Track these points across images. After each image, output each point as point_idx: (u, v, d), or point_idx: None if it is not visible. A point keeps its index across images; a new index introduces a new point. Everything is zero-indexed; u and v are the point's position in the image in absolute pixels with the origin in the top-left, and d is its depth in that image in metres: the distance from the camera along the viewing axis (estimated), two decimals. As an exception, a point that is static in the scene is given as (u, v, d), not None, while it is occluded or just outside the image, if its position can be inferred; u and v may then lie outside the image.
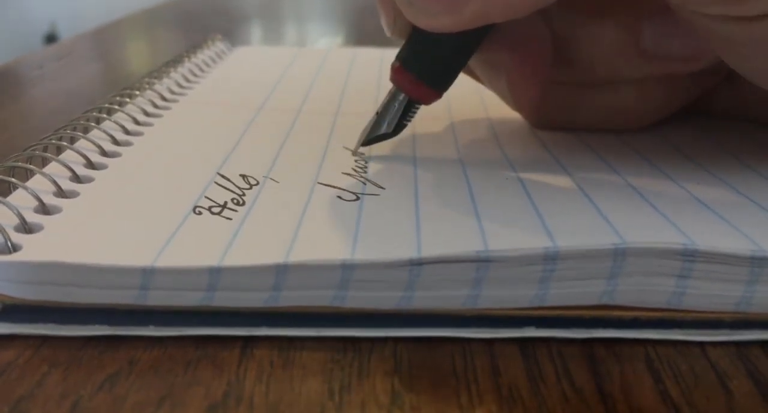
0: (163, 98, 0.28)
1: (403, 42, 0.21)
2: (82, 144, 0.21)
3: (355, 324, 0.15)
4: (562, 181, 0.20)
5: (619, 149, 0.23)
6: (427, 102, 0.22)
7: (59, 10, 1.89)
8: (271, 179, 0.20)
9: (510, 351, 0.15)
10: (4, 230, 0.16)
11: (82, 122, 0.23)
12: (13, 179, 0.18)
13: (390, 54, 0.22)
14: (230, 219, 0.17)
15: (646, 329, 0.16)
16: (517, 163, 0.22)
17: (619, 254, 0.15)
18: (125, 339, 0.15)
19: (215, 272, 0.15)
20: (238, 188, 0.19)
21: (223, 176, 0.20)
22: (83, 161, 0.20)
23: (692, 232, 0.16)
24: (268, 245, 0.16)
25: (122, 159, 0.21)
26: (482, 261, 0.15)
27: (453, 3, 0.18)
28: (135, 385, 0.14)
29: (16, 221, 0.16)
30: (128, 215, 0.17)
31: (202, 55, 0.34)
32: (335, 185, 0.20)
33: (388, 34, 0.22)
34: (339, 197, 0.19)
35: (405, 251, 0.15)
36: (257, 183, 0.20)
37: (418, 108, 0.22)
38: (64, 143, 0.21)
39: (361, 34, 0.58)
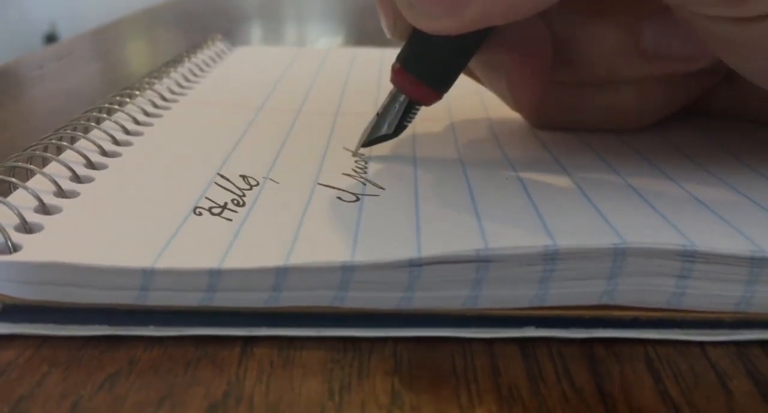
0: (163, 98, 0.28)
1: (403, 43, 0.21)
2: (82, 144, 0.21)
3: (355, 324, 0.15)
4: (562, 181, 0.20)
5: (619, 149, 0.23)
6: (428, 103, 0.22)
7: (59, 10, 1.89)
8: (271, 179, 0.20)
9: (510, 350, 0.15)
10: (5, 230, 0.16)
11: (82, 122, 0.23)
12: (13, 179, 0.18)
13: (390, 54, 0.22)
14: (230, 220, 0.17)
15: (646, 329, 0.16)
16: (517, 163, 0.22)
17: (619, 254, 0.15)
18: (125, 339, 0.15)
19: (215, 273, 0.15)
20: (238, 188, 0.19)
21: (223, 177, 0.20)
22: (83, 161, 0.20)
23: (692, 232, 0.16)
24: (269, 246, 0.16)
25: (122, 159, 0.21)
26: (482, 261, 0.15)
27: (454, 6, 0.18)
28: (135, 385, 0.14)
29: (16, 221, 0.16)
30: (128, 215, 0.17)
31: (202, 55, 0.35)
32: (335, 185, 0.20)
33: (388, 35, 0.22)
34: (339, 198, 0.19)
35: (405, 252, 0.15)
36: (257, 184, 0.20)
37: (418, 109, 0.22)
38: (64, 143, 0.21)
39: (361, 34, 0.58)
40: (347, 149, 0.23)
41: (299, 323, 0.15)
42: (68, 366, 0.14)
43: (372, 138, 0.22)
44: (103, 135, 0.22)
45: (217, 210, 0.18)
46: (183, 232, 0.16)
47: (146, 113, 0.25)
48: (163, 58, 0.33)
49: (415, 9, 0.19)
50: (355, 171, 0.21)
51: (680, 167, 0.21)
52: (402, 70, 0.21)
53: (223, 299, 0.15)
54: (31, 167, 0.19)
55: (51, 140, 0.21)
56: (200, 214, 0.18)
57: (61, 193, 0.18)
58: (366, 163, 0.22)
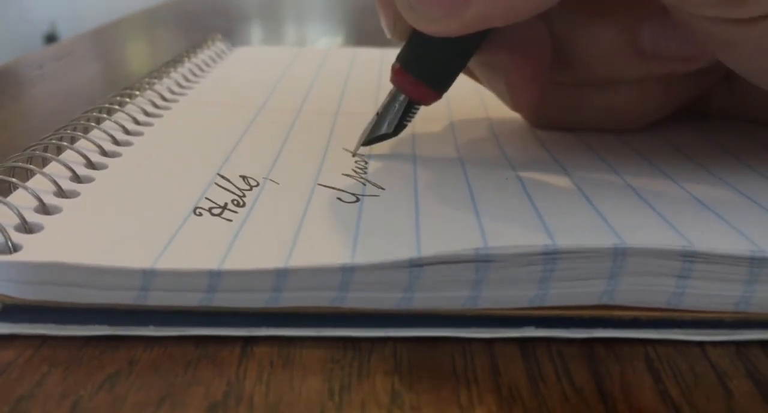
0: (163, 98, 0.28)
1: (403, 43, 0.21)
2: (82, 144, 0.21)
3: (355, 324, 0.15)
4: (561, 181, 0.20)
5: (619, 149, 0.23)
6: (427, 103, 0.22)
7: (59, 10, 1.89)
8: (271, 180, 0.20)
9: (510, 351, 0.15)
10: (5, 230, 0.16)
11: (82, 122, 0.23)
12: (13, 179, 0.18)
13: (390, 54, 0.22)
14: (230, 221, 0.17)
15: (646, 329, 0.16)
16: (516, 162, 0.22)
17: (619, 254, 0.15)
18: (125, 339, 0.15)
19: (215, 275, 0.15)
20: (239, 189, 0.19)
21: (223, 177, 0.20)
22: (83, 161, 0.20)
23: (692, 232, 0.16)
24: (269, 247, 0.16)
25: (122, 159, 0.21)
26: (482, 261, 0.15)
27: (454, 7, 0.18)
28: (135, 385, 0.14)
29: (16, 221, 0.16)
30: (128, 215, 0.17)
31: (202, 55, 0.35)
32: (335, 186, 0.20)
33: (388, 36, 0.22)
34: (339, 198, 0.19)
35: (405, 252, 0.15)
36: (257, 184, 0.20)
37: (418, 109, 0.22)
38: (64, 143, 0.21)
39: (361, 34, 0.58)
40: (347, 150, 0.23)
41: (299, 323, 0.15)
42: (68, 366, 0.14)
43: (372, 137, 0.22)
44: (103, 135, 0.22)
45: (217, 211, 0.18)
46: (183, 232, 0.16)
47: (146, 113, 0.26)
48: (163, 58, 0.33)
49: (415, 11, 0.19)
50: (355, 171, 0.21)
51: (680, 167, 0.21)
52: (402, 70, 0.21)
53: (223, 300, 0.15)
54: (31, 167, 0.19)
55: (51, 140, 0.21)
56: (200, 214, 0.18)
57: (61, 193, 0.18)
58: (366, 162, 0.22)
